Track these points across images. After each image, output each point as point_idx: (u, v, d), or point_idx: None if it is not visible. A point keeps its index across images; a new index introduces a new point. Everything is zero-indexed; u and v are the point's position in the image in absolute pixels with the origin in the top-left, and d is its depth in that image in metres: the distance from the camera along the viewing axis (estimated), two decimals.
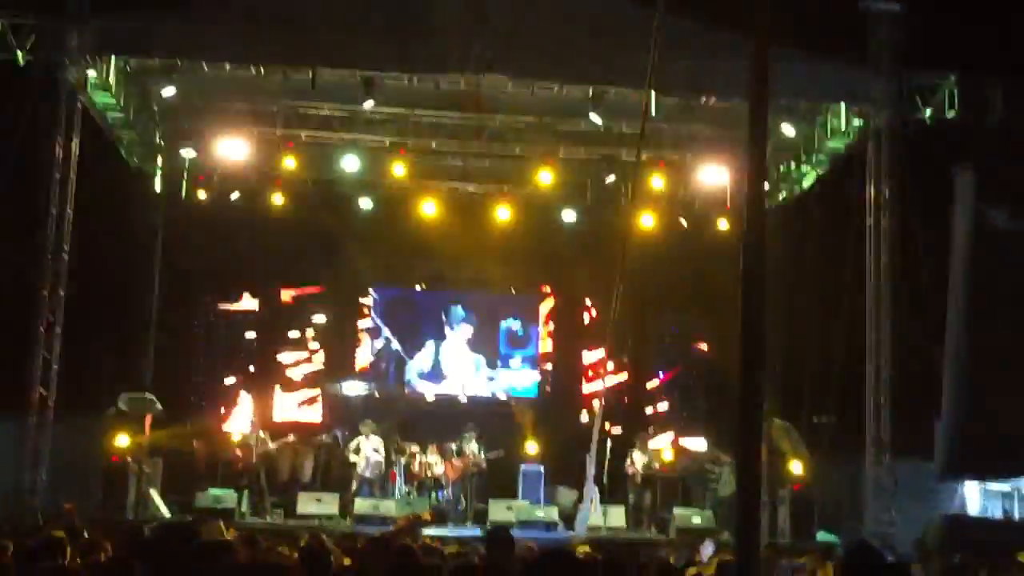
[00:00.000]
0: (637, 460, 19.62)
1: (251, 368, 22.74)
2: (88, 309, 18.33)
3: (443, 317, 23.29)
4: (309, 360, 22.95)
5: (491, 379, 23.20)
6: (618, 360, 22.44)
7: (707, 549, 11.78)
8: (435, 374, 23.12)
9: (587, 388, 23.19)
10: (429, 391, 22.96)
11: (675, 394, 23.72)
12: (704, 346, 23.54)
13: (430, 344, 23.20)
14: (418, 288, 23.53)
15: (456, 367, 23.20)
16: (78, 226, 17.38)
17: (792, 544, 16.60)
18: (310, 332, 23.06)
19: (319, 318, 23.11)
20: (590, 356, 23.35)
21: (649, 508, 19.57)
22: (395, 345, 22.94)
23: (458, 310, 23.32)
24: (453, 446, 19.74)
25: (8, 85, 16.85)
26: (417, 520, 9.20)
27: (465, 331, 23.31)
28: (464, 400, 22.89)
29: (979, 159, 17.52)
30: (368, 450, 19.44)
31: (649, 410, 23.24)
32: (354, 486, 19.34)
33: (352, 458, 19.48)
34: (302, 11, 16.83)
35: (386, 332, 22.90)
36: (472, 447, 19.66)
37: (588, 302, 23.30)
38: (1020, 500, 18.91)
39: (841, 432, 18.43)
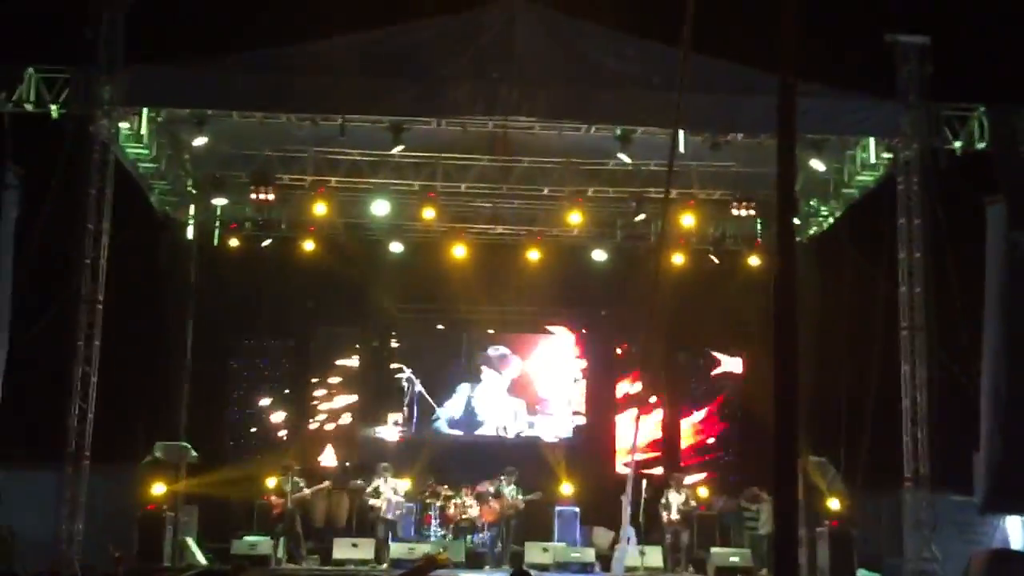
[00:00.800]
0: (673, 500, 19.47)
1: (286, 411, 22.79)
2: (122, 358, 18.43)
3: (477, 360, 23.28)
4: (343, 403, 22.98)
5: (531, 425, 23.14)
6: (650, 395, 22.34)
7: None
8: (467, 421, 23.07)
9: (620, 421, 23.11)
10: (458, 435, 22.94)
11: (711, 432, 23.59)
12: (737, 382, 23.43)
13: (463, 388, 23.18)
14: (440, 327, 23.52)
15: (493, 411, 23.16)
16: (112, 275, 17.51)
17: None
18: (341, 377, 23.09)
19: (351, 362, 23.16)
20: (623, 389, 23.24)
21: (686, 548, 19.41)
22: (418, 388, 22.88)
23: (499, 352, 23.31)
24: (491, 488, 19.64)
25: (42, 137, 17.08)
26: (432, 562, 9.15)
27: (508, 374, 23.29)
28: (505, 440, 22.81)
29: (1010, 189, 17.42)
30: (388, 492, 19.36)
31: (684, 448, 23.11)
32: (379, 530, 19.24)
33: (372, 502, 19.40)
34: (330, 60, 16.98)
35: (415, 380, 22.86)
36: (510, 490, 19.56)
37: (620, 341, 23.25)
38: None
39: (878, 467, 18.25)
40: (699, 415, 23.69)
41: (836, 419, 18.96)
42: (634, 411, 21.76)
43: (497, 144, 18.52)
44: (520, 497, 19.51)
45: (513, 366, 23.36)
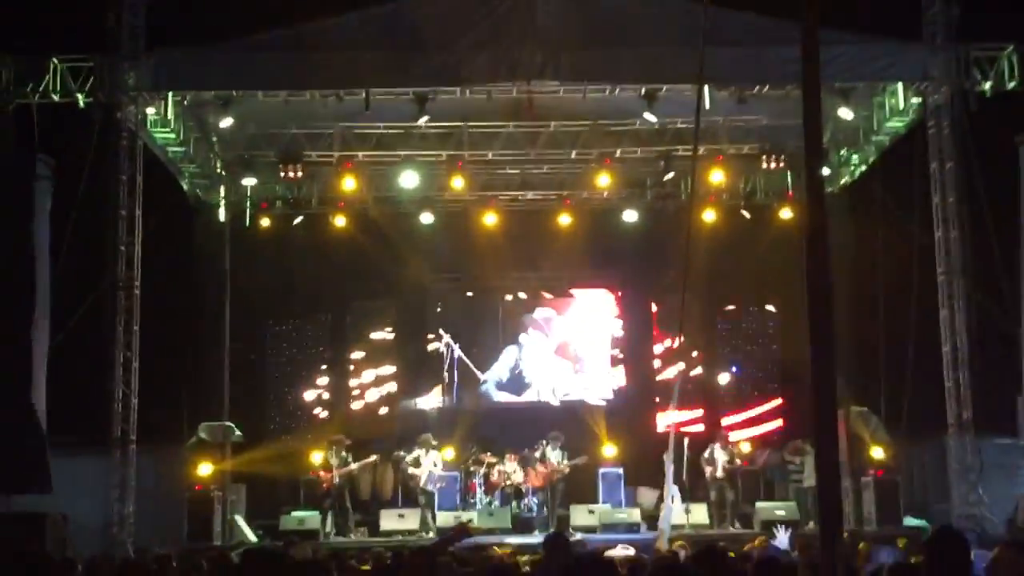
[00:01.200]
0: (718, 456, 19.45)
1: (326, 387, 22.94)
2: (163, 342, 18.63)
3: (523, 323, 23.30)
4: (382, 376, 23.09)
5: (575, 385, 23.20)
6: (689, 355, 22.26)
7: (781, 537, 11.69)
8: (514, 384, 23.12)
9: (660, 380, 23.09)
10: (507, 399, 23.01)
11: (749, 386, 23.57)
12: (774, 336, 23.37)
13: (510, 351, 23.23)
14: (471, 294, 23.56)
15: (541, 374, 23.20)
16: (147, 261, 17.66)
17: (878, 530, 16.40)
18: (378, 350, 23.19)
19: (388, 335, 23.26)
20: (661, 349, 23.20)
21: (732, 503, 19.41)
22: (458, 353, 22.91)
23: (546, 314, 23.33)
24: (536, 454, 19.66)
25: (70, 127, 17.21)
26: (463, 530, 9.30)
27: (554, 337, 23.32)
28: (556, 404, 22.85)
29: None
30: (428, 463, 19.41)
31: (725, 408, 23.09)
32: (422, 500, 19.34)
33: (412, 471, 19.46)
34: (350, 35, 16.97)
35: (454, 345, 22.91)
36: (555, 454, 19.57)
37: (656, 301, 23.20)
38: None
39: (921, 414, 18.18)
40: (738, 369, 23.65)
41: (876, 368, 18.91)
42: (674, 370, 21.73)
43: (523, 110, 18.46)
44: (566, 461, 19.52)
45: (558, 328, 23.35)
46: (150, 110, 17.64)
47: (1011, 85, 17.29)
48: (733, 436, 20.88)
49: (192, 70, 17.20)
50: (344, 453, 19.31)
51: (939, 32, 17.23)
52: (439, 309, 23.42)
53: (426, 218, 21.76)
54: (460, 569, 7.94)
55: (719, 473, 19.34)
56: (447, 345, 22.89)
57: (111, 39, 16.88)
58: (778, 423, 22.45)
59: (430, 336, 23.17)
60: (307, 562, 7.16)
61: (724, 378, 23.55)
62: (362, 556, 10.87)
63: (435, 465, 19.40)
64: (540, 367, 23.21)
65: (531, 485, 19.61)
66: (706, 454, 19.51)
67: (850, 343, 18.47)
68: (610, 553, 9.05)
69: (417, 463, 19.40)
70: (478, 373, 22.91)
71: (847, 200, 20.69)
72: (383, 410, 22.93)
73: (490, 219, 21.60)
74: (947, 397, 17.59)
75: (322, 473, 19.09)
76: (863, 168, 20.57)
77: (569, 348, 23.41)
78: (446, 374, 22.92)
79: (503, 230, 21.77)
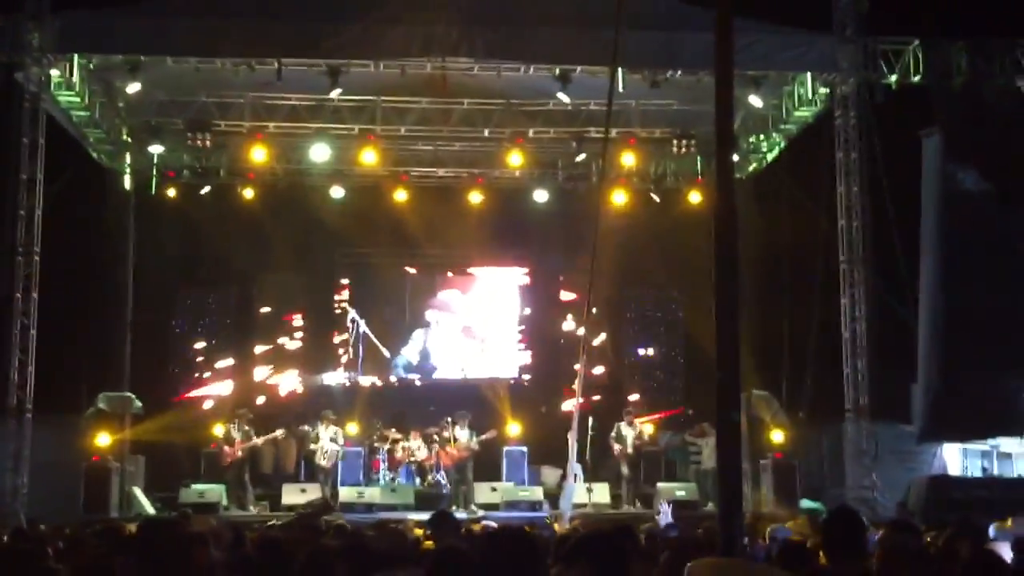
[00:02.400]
0: (627, 434, 19.65)
1: (229, 361, 22.67)
2: (62, 310, 18.25)
3: (427, 305, 23.27)
4: (287, 349, 22.91)
5: (481, 364, 23.25)
6: (594, 335, 22.42)
7: (664, 509, 11.91)
8: (422, 367, 23.11)
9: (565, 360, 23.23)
10: (415, 380, 23.02)
11: (655, 368, 23.84)
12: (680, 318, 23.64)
13: (417, 335, 23.18)
14: (408, 271, 23.47)
15: (448, 355, 23.21)
16: (48, 227, 17.26)
17: (775, 512, 16.70)
18: (285, 324, 22.99)
19: (296, 307, 23.06)
20: (567, 328, 23.33)
21: (632, 482, 19.64)
22: (363, 329, 22.84)
23: (450, 295, 23.34)
24: (445, 434, 19.63)
25: None
26: (325, 506, 9.34)
27: (461, 317, 23.32)
28: (451, 381, 22.90)
29: (945, 122, 17.63)
30: (325, 439, 19.35)
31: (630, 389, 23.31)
32: (318, 476, 19.25)
33: (311, 446, 19.40)
34: (265, 3, 16.76)
35: (360, 321, 22.83)
36: (464, 433, 19.58)
37: (563, 281, 23.32)
38: (999, 458, 19.12)
39: (820, 399, 18.55)
40: (643, 352, 23.90)
41: (779, 353, 19.23)
42: (579, 350, 21.88)
43: (436, 86, 18.39)
44: (475, 439, 19.56)
45: (465, 307, 23.37)
46: (54, 72, 17.20)
47: (916, 79, 17.69)
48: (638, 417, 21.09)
49: (99, 32, 16.82)
50: (247, 427, 19.16)
51: (848, 24, 17.52)
52: (346, 283, 23.27)
53: (336, 192, 21.60)
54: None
55: (629, 450, 19.53)
56: (353, 321, 22.81)
57: None
58: (680, 405, 22.73)
59: (336, 311, 23.05)
60: (203, 532, 7.09)
61: (630, 359, 23.75)
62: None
63: (332, 440, 19.33)
64: (447, 347, 23.22)
65: (443, 464, 19.54)
66: (613, 433, 19.71)
67: (754, 328, 18.74)
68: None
69: (316, 439, 19.33)
70: (384, 351, 22.84)
71: (755, 187, 20.98)
72: (288, 384, 22.73)
73: (401, 195, 21.51)
74: (845, 383, 17.95)
75: (225, 447, 18.90)
76: (771, 156, 20.87)
77: (475, 327, 23.45)
78: (351, 350, 22.85)
79: (413, 206, 21.70)
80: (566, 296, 23.34)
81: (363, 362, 22.88)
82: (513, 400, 21.90)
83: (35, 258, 17.03)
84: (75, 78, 17.67)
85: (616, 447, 19.63)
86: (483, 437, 19.66)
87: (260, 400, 22.14)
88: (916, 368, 17.82)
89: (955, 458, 19.21)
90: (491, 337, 23.49)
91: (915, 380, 17.96)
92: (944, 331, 17.29)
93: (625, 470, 19.59)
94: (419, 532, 10.28)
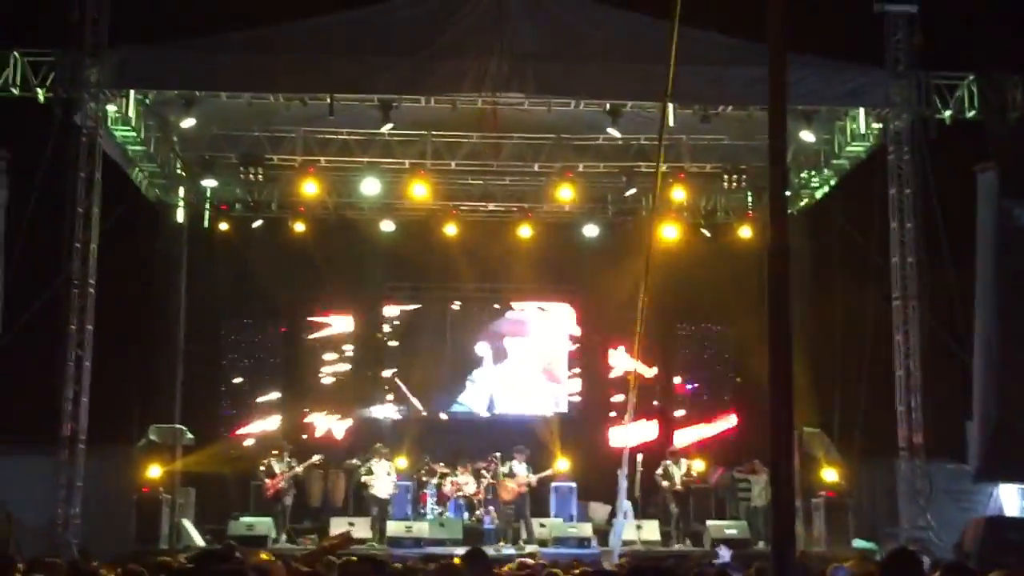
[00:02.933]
0: (674, 471, 19.51)
1: (278, 394, 22.76)
2: (116, 342, 18.43)
3: (483, 337, 23.29)
4: (336, 385, 22.96)
5: (532, 399, 23.21)
6: (645, 371, 22.28)
7: (723, 553, 11.77)
8: (488, 406, 23.15)
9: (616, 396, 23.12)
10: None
11: (704, 404, 23.64)
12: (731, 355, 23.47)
13: (481, 377, 23.16)
14: (456, 306, 23.49)
15: (511, 391, 23.19)
16: (103, 260, 17.46)
17: (828, 552, 16.47)
18: (337, 356, 23.08)
19: (347, 343, 23.15)
20: (618, 364, 23.20)
21: (682, 520, 19.45)
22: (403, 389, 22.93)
23: (508, 328, 23.33)
24: (503, 468, 19.52)
25: (30, 122, 17.00)
26: (348, 539, 9.31)
27: (516, 350, 23.30)
28: (511, 416, 22.85)
29: (1001, 157, 17.43)
30: (381, 472, 19.35)
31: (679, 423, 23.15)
32: (372, 509, 19.28)
33: (364, 479, 19.37)
34: (317, 39, 16.94)
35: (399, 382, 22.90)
36: (522, 468, 19.47)
37: (613, 316, 23.20)
38: None
39: (873, 437, 18.32)
40: (693, 387, 23.73)
41: (831, 390, 19.02)
42: (630, 386, 21.79)
43: (487, 121, 18.44)
44: (533, 475, 19.45)
45: (518, 342, 23.33)
46: (111, 107, 17.46)
47: (970, 114, 17.51)
48: (687, 452, 20.93)
49: (155, 68, 17.08)
50: (289, 458, 19.22)
51: (901, 59, 17.42)
52: (396, 319, 23.32)
53: (387, 226, 21.69)
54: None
55: (678, 486, 19.36)
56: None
57: (74, 34, 16.71)
58: (731, 442, 22.52)
59: (384, 344, 23.11)
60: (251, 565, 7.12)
61: (680, 394, 23.59)
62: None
63: (388, 473, 19.33)
64: (511, 384, 23.17)
65: (501, 499, 19.41)
66: (660, 470, 19.56)
67: (806, 365, 18.55)
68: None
69: (370, 472, 19.34)
70: (417, 404, 22.81)
71: (806, 222, 20.83)
72: (336, 417, 22.76)
73: (450, 229, 21.56)
74: (898, 421, 17.71)
75: (267, 480, 18.97)
76: (823, 191, 20.73)
77: (528, 362, 23.39)
78: (401, 385, 22.91)
79: (463, 240, 21.73)
80: (615, 331, 23.21)
81: (418, 396, 22.92)
82: (562, 435, 21.80)
83: (90, 290, 17.21)
84: (131, 113, 17.93)
85: (664, 484, 19.47)
86: (542, 475, 19.58)
87: (307, 434, 22.19)
88: (971, 406, 17.55)
89: (1013, 499, 18.83)
90: (542, 371, 23.42)
91: (970, 418, 17.69)
92: (1000, 368, 17.03)
93: (674, 507, 19.41)
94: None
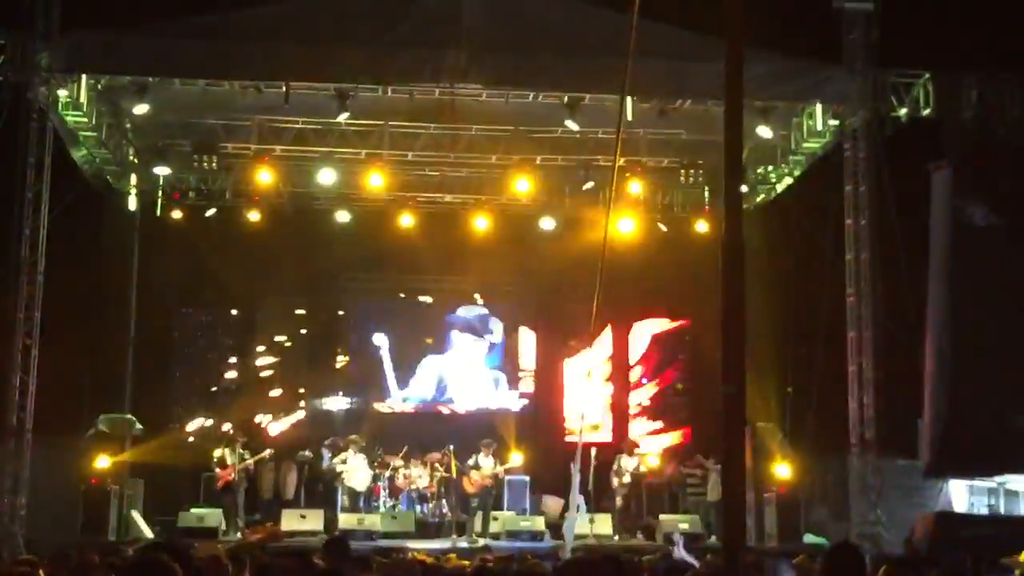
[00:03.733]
0: (626, 465, 19.53)
1: (230, 384, 22.57)
2: (65, 330, 18.15)
3: (438, 331, 23.16)
4: (289, 375, 22.79)
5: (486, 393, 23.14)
6: (598, 364, 22.31)
7: (677, 540, 11.78)
8: (439, 397, 23.00)
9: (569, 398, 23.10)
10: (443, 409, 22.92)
11: (660, 399, 23.68)
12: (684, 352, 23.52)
13: (429, 364, 23.03)
14: (415, 298, 23.35)
15: (465, 384, 23.07)
16: (52, 247, 17.19)
17: (779, 547, 16.54)
18: (288, 347, 22.91)
19: (300, 332, 22.99)
20: (572, 358, 23.19)
21: (635, 514, 19.48)
22: (382, 357, 22.76)
23: (466, 322, 23.21)
24: (470, 461, 19.40)
25: None
26: (275, 534, 9.23)
27: (481, 345, 23.20)
28: (464, 411, 22.77)
29: (955, 156, 17.54)
30: (359, 465, 19.22)
31: (634, 417, 23.18)
32: (345, 501, 19.14)
33: (339, 468, 19.27)
34: (273, 26, 16.73)
35: (383, 351, 22.71)
36: (488, 461, 19.39)
37: (568, 310, 23.19)
38: (1006, 496, 18.93)
39: (825, 433, 18.41)
40: (648, 383, 23.76)
41: (784, 385, 19.10)
42: (583, 380, 21.82)
43: (444, 111, 18.34)
44: (499, 467, 19.36)
45: (473, 337, 23.23)
46: (62, 92, 17.18)
47: (926, 112, 17.61)
48: (641, 447, 20.97)
49: (107, 53, 16.77)
50: (241, 450, 19.05)
51: (859, 56, 17.47)
52: (350, 310, 23.19)
53: (342, 216, 21.54)
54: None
55: (627, 480, 19.39)
56: (365, 349, 22.71)
57: (25, 17, 16.42)
58: (685, 436, 22.60)
59: (339, 335, 22.98)
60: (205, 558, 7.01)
61: (636, 389, 23.63)
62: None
63: (364, 465, 19.22)
64: (457, 376, 23.08)
65: (465, 492, 19.32)
66: (615, 466, 19.58)
67: (759, 360, 18.61)
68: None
69: (344, 462, 19.19)
70: (393, 382, 22.68)
71: (762, 218, 20.88)
72: (288, 408, 22.59)
73: (407, 220, 21.43)
74: (850, 417, 17.80)
75: (218, 471, 18.80)
76: (780, 187, 20.80)
77: (479, 356, 23.32)
78: (357, 376, 22.77)
79: (419, 231, 21.61)
80: (570, 325, 23.19)
81: (369, 388, 22.77)
82: (516, 429, 21.77)
83: (38, 277, 16.94)
84: (82, 98, 17.64)
85: (615, 480, 19.49)
86: (509, 466, 19.53)
87: (259, 426, 22.01)
88: (923, 403, 17.67)
89: (962, 495, 19.03)
90: (494, 367, 23.36)
91: (921, 415, 17.81)
92: (951, 366, 17.14)
93: (619, 501, 19.43)
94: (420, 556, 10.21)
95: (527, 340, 23.57)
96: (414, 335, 23.19)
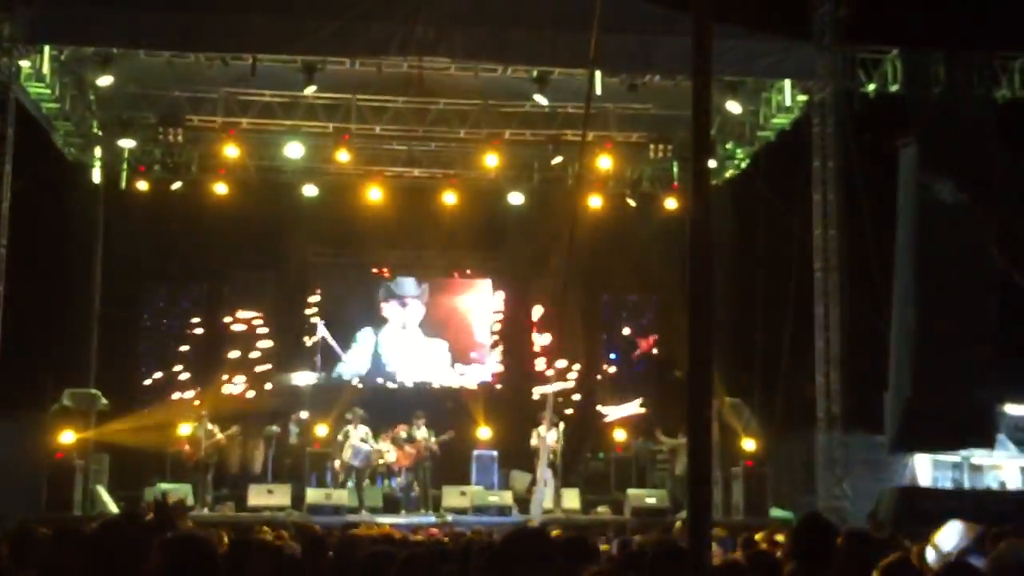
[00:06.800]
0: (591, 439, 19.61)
1: (197, 359, 22.43)
2: (29, 305, 17.95)
3: (384, 297, 23.11)
4: (257, 350, 22.66)
5: (461, 374, 23.10)
6: (569, 345, 22.28)
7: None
8: (376, 374, 22.94)
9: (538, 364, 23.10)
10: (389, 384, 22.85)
11: (627, 372, 23.73)
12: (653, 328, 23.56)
13: (365, 335, 22.98)
14: (378, 272, 23.29)
15: (407, 356, 23.01)
16: (15, 220, 16.99)
17: (745, 521, 16.63)
18: (255, 322, 22.77)
19: (266, 306, 22.85)
20: (541, 339, 23.20)
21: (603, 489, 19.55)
22: (325, 335, 22.75)
23: (407, 284, 23.14)
24: (403, 433, 19.52)
25: None
26: (181, 508, 9.17)
27: (416, 311, 23.13)
28: (410, 385, 22.76)
29: (922, 132, 17.59)
30: (355, 439, 19.18)
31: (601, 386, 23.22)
32: (341, 477, 19.15)
33: (341, 442, 19.23)
34: None
35: (321, 328, 22.69)
36: (422, 432, 19.45)
37: (536, 285, 23.18)
38: (969, 470, 19.09)
39: (792, 408, 18.50)
40: (615, 357, 23.80)
41: (751, 360, 19.16)
42: (551, 354, 21.81)
43: (412, 85, 18.23)
44: (433, 439, 19.41)
45: (433, 308, 23.18)
46: (24, 63, 16.92)
47: (894, 88, 17.66)
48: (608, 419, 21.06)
49: (70, 23, 16.53)
50: (210, 425, 18.96)
51: (827, 32, 17.49)
52: (319, 285, 23.09)
53: (309, 190, 21.38)
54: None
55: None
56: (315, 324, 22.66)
57: None
58: (650, 410, 22.64)
59: (307, 312, 22.87)
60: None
61: (603, 365, 23.66)
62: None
63: (364, 441, 19.16)
64: (404, 350, 23.02)
65: (401, 465, 19.43)
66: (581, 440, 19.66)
67: (727, 335, 18.67)
68: None
69: (346, 436, 19.12)
70: (339, 353, 22.65)
71: (731, 193, 20.89)
72: (256, 384, 22.48)
73: (374, 194, 21.28)
74: (817, 392, 17.88)
75: (187, 447, 18.70)
76: (748, 162, 20.81)
77: (446, 330, 23.28)
78: (319, 356, 22.71)
79: (387, 206, 21.49)
80: (538, 300, 23.20)
81: (326, 365, 22.74)
82: (484, 404, 21.77)
83: (1, 251, 16.75)
84: (45, 69, 17.39)
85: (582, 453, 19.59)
86: (442, 438, 19.52)
87: (228, 400, 21.87)
88: (888, 378, 17.77)
89: (926, 469, 19.16)
90: (462, 340, 23.33)
91: (887, 390, 17.92)
92: (916, 342, 17.24)
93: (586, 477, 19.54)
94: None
95: (495, 316, 23.51)
96: (374, 309, 23.11)
